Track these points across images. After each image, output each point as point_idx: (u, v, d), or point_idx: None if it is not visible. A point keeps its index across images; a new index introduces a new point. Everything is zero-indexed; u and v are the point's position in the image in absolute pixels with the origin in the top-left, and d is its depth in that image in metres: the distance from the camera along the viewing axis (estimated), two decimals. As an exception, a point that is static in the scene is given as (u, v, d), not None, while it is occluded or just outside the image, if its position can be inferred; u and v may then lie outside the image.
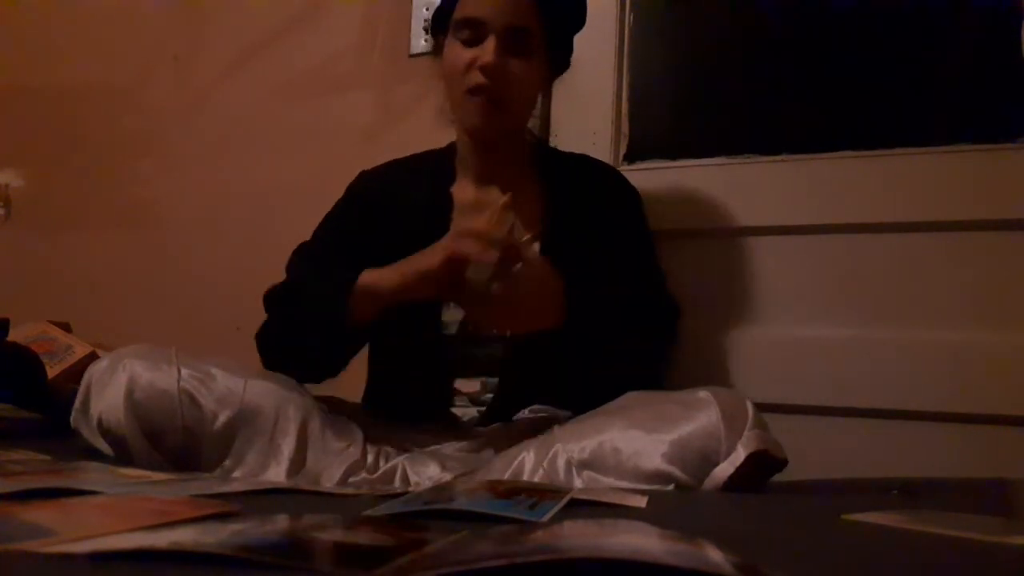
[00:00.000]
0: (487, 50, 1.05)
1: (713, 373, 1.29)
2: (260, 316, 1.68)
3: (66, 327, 1.61)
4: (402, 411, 1.13)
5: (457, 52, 1.08)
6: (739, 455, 0.84)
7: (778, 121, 1.41)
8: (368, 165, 1.26)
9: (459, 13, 1.08)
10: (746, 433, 0.85)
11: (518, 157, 1.19)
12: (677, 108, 1.50)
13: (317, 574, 0.38)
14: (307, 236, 1.25)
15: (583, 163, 1.24)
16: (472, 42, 1.07)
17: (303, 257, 1.20)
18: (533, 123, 1.31)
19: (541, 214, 1.15)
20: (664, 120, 1.49)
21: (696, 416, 0.87)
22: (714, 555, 0.40)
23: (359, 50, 1.66)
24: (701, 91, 1.48)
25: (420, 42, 1.58)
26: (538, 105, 1.31)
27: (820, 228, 1.30)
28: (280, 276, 1.20)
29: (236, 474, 0.94)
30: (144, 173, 1.87)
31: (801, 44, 1.42)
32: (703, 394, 0.90)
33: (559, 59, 1.16)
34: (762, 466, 0.86)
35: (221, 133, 1.79)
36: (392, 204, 1.17)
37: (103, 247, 1.87)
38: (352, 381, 1.20)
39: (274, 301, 1.14)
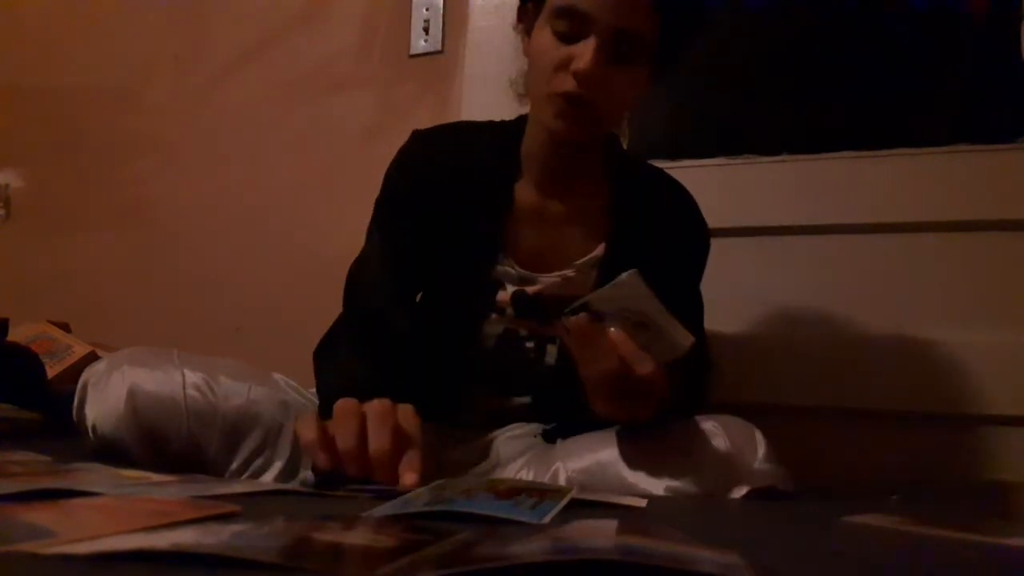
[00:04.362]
0: (586, 54, 0.86)
1: (713, 374, 1.29)
2: (260, 316, 1.68)
3: (66, 327, 1.61)
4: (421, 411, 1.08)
5: (549, 43, 0.90)
6: (745, 489, 0.82)
7: (778, 121, 1.41)
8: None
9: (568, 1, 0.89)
10: (755, 467, 0.83)
11: (590, 162, 1.05)
12: (677, 108, 1.50)
13: (317, 575, 0.38)
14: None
15: (660, 180, 1.10)
16: (570, 37, 0.88)
17: (364, 275, 1.05)
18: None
19: (608, 227, 1.03)
20: (664, 120, 1.49)
21: (703, 448, 0.84)
22: (713, 556, 0.40)
23: (359, 50, 1.67)
24: (701, 91, 1.48)
25: (420, 42, 1.59)
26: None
27: (820, 228, 1.30)
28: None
29: (240, 478, 0.93)
30: (144, 173, 1.87)
31: (801, 44, 1.42)
32: (710, 425, 0.86)
33: (665, 69, 0.97)
34: (769, 498, 0.84)
35: (221, 133, 1.79)
36: (455, 177, 1.01)
37: (103, 247, 1.87)
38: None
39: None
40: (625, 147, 1.44)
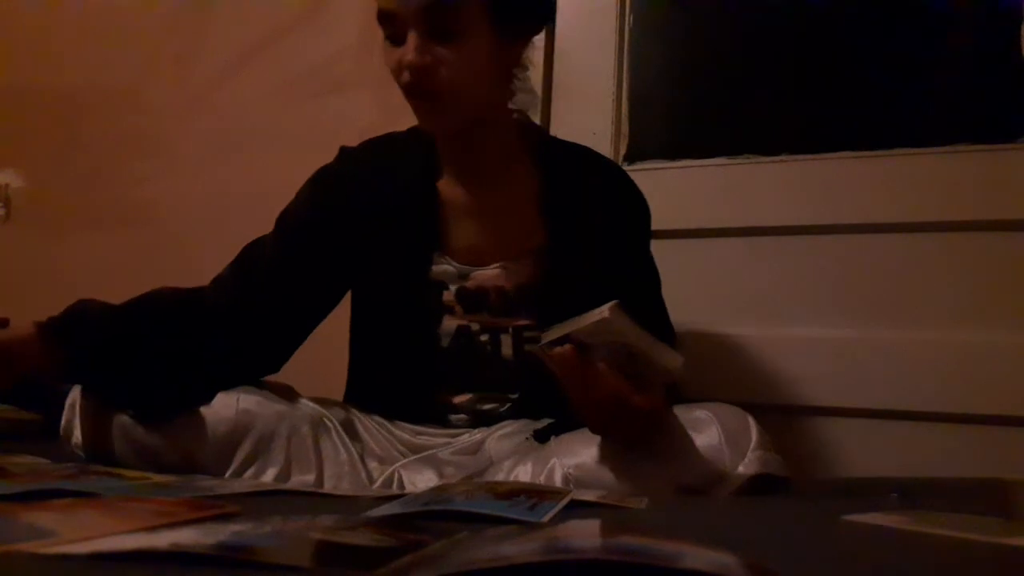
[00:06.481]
0: (407, 46, 0.92)
1: (713, 374, 1.29)
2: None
3: (66, 327, 1.61)
4: (393, 414, 1.07)
5: (387, 51, 0.96)
6: (740, 478, 0.83)
7: (778, 121, 1.41)
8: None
9: (377, 8, 0.95)
10: (749, 455, 0.83)
11: (502, 147, 1.06)
12: (677, 108, 1.50)
13: (317, 575, 0.38)
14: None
15: (589, 159, 1.11)
16: (397, 39, 0.94)
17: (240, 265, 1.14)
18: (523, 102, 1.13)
19: (543, 214, 1.04)
20: (664, 120, 1.49)
21: (696, 438, 0.85)
22: (708, 555, 0.40)
23: (359, 50, 1.66)
24: (701, 91, 1.48)
25: (420, 42, 1.58)
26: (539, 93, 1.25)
27: (820, 228, 1.30)
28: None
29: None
30: (144, 173, 1.87)
31: (801, 44, 1.42)
32: (703, 414, 0.87)
33: (514, 24, 0.97)
34: (764, 485, 0.85)
35: (221, 133, 1.79)
36: (376, 187, 1.06)
37: (103, 247, 1.87)
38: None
39: None
40: (625, 147, 1.45)
